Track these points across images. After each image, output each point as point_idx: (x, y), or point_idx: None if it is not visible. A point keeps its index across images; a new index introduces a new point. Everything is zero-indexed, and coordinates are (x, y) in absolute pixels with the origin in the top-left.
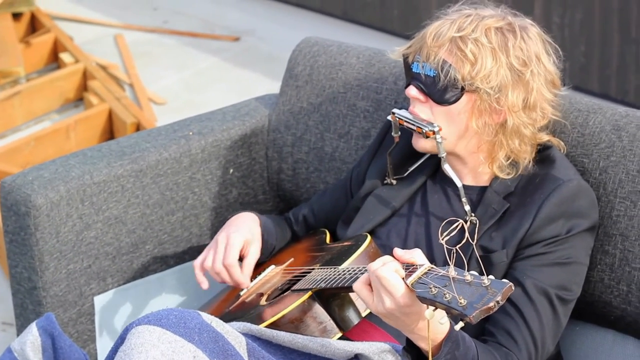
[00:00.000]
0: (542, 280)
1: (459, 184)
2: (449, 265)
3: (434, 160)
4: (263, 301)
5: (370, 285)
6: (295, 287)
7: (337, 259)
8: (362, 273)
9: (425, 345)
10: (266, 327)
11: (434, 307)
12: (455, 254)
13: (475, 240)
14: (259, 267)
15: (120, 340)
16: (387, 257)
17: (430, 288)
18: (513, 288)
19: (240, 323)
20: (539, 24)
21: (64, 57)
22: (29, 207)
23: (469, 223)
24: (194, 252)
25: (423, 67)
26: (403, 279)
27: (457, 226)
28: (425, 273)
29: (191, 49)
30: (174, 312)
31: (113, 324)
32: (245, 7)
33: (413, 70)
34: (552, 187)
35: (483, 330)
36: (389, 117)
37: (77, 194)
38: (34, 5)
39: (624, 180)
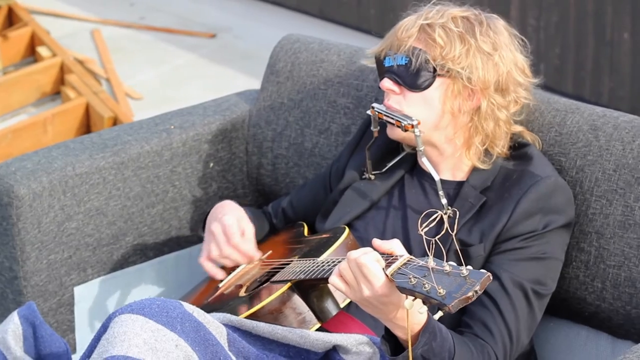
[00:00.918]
0: (518, 274)
1: (436, 177)
2: (427, 256)
3: (412, 156)
4: (242, 293)
5: (344, 276)
6: (274, 278)
7: (316, 250)
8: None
9: (402, 335)
10: (246, 318)
11: (413, 297)
12: (434, 245)
13: (454, 232)
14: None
15: (103, 328)
16: (367, 249)
17: (410, 278)
18: (491, 278)
19: (220, 314)
20: (514, 26)
21: (41, 50)
22: (11, 197)
23: (447, 215)
24: (174, 244)
25: (395, 58)
26: (383, 269)
27: (436, 217)
28: (405, 264)
29: (168, 45)
30: (156, 301)
31: (92, 315)
32: (221, 4)
33: (385, 65)
34: (530, 183)
35: (459, 322)
36: (369, 112)
37: (59, 185)
38: None
39: (600, 179)
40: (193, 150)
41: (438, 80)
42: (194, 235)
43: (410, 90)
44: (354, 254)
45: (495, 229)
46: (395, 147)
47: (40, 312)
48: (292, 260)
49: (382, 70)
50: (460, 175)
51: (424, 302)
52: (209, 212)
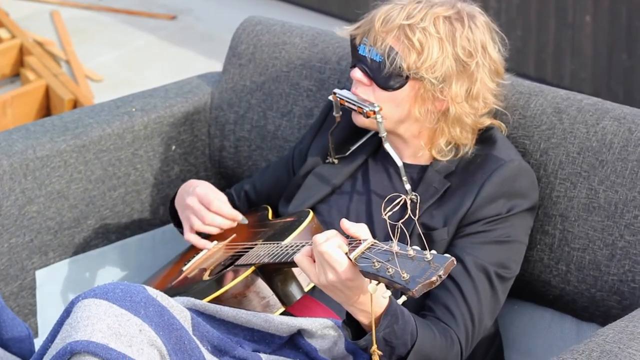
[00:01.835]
0: (481, 258)
1: (399, 163)
2: (392, 240)
3: (376, 139)
4: (206, 276)
5: (312, 257)
6: (239, 262)
7: (280, 234)
8: None
9: (364, 319)
10: (209, 302)
11: (377, 282)
12: (399, 230)
13: (417, 216)
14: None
15: (66, 313)
16: (330, 232)
17: (374, 262)
18: (455, 262)
19: (184, 298)
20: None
21: (0, 32)
22: None
23: (410, 200)
24: (135, 227)
25: (370, 50)
26: (346, 253)
27: (399, 202)
28: (369, 248)
29: (127, 26)
30: (119, 286)
31: (54, 298)
32: None
33: (359, 52)
34: (494, 167)
35: (423, 305)
36: (330, 97)
37: (19, 168)
38: None
39: (564, 162)
40: (155, 133)
41: (409, 85)
42: (156, 218)
43: (380, 89)
44: (318, 239)
45: (459, 212)
46: (359, 130)
47: (1, 296)
48: (256, 244)
49: (356, 57)
50: (424, 159)
51: (387, 287)
52: (174, 196)
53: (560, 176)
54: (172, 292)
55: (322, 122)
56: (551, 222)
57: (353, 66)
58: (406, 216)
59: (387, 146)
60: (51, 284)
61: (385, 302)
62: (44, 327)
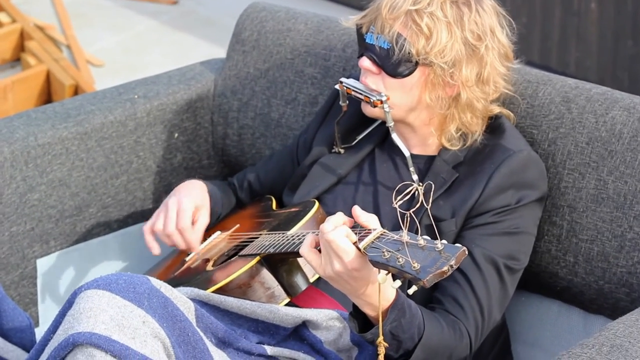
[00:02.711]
0: (490, 250)
1: (406, 153)
2: (401, 230)
3: (383, 129)
4: (210, 267)
5: (317, 247)
6: (243, 252)
7: (285, 224)
8: None
9: (371, 312)
10: (213, 292)
11: (386, 272)
12: (409, 219)
13: (429, 205)
14: (205, 234)
15: (69, 304)
16: (337, 219)
17: (383, 252)
18: (467, 252)
19: (188, 288)
20: None
21: (1, 17)
22: None
23: (421, 189)
24: (138, 216)
25: (377, 38)
26: (355, 243)
27: (410, 191)
28: (378, 237)
29: (128, 11)
30: (123, 276)
31: (55, 287)
32: None
33: (367, 41)
34: (503, 158)
35: (431, 298)
36: (337, 86)
37: (21, 155)
38: None
39: (573, 152)
40: (157, 120)
41: (419, 71)
42: (159, 206)
43: (389, 76)
44: (325, 228)
45: (467, 204)
46: (365, 119)
47: (2, 286)
48: (260, 234)
49: (363, 46)
50: (432, 149)
51: (397, 277)
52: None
53: (569, 166)
54: (175, 282)
55: (327, 111)
56: (559, 213)
57: (360, 55)
58: (417, 205)
59: (395, 136)
60: (52, 272)
61: (393, 294)
62: (45, 317)
